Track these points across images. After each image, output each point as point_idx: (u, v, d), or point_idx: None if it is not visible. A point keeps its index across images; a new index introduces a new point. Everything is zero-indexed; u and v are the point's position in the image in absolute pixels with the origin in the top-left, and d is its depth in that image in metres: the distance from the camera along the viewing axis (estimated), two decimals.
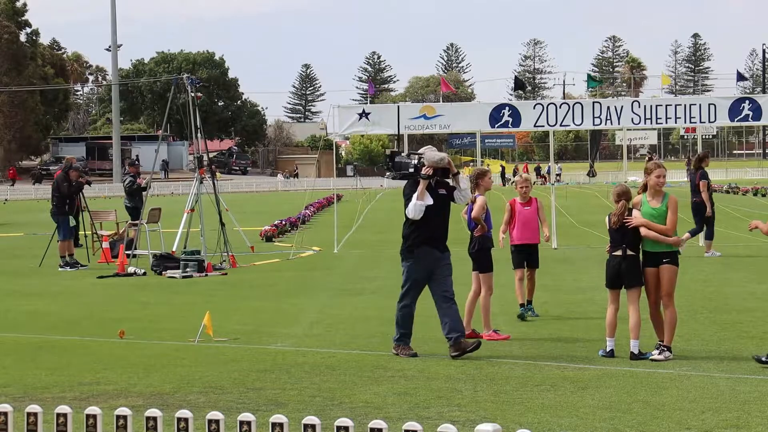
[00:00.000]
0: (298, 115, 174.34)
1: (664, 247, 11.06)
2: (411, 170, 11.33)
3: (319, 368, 10.85)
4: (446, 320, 11.25)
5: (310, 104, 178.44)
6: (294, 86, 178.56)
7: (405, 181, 11.63)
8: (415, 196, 11.20)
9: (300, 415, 6.24)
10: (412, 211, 11.23)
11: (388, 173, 11.88)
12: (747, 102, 26.14)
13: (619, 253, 11.20)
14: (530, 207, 14.27)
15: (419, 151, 11.51)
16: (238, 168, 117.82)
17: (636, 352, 11.05)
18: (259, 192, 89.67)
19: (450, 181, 11.50)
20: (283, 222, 33.68)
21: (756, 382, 9.76)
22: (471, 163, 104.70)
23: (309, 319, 14.84)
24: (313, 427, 5.14)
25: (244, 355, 11.75)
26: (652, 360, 10.89)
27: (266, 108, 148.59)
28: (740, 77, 29.65)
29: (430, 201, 11.19)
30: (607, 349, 11.24)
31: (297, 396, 9.43)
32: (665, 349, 11.00)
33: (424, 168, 11.17)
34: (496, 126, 27.03)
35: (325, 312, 15.55)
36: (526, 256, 14.27)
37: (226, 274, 21.36)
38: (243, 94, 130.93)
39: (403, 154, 11.61)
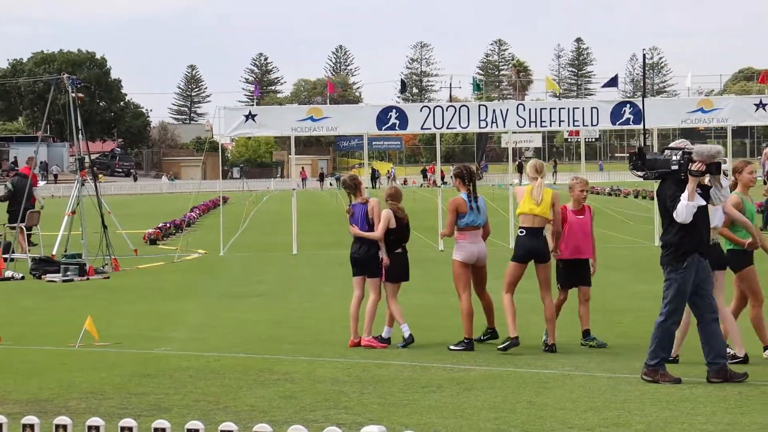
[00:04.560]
0: (184, 117, 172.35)
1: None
2: (674, 167, 9.96)
3: (204, 372, 10.71)
4: (712, 345, 9.99)
5: (195, 106, 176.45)
6: (179, 87, 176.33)
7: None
8: (684, 196, 9.82)
9: (183, 420, 6.14)
10: (682, 213, 9.80)
11: (638, 173, 10.33)
12: (628, 106, 26.65)
13: (401, 250, 12.44)
14: (584, 216, 12.54)
15: (674, 146, 10.20)
16: (121, 170, 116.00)
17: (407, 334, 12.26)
18: (143, 194, 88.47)
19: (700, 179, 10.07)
20: (168, 224, 33.27)
21: (636, 381, 9.95)
22: (357, 166, 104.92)
23: (194, 322, 14.67)
24: (197, 431, 5.06)
25: (126, 359, 11.54)
26: None
27: (151, 110, 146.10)
28: (612, 83, 30.22)
29: (702, 202, 9.91)
30: (406, 335, 12.24)
31: (181, 401, 9.29)
32: None
33: (694, 164, 9.81)
34: (384, 128, 27.06)
35: (211, 315, 15.40)
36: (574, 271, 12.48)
37: (108, 277, 20.99)
38: (127, 95, 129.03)
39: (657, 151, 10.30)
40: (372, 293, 12.53)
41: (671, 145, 10.24)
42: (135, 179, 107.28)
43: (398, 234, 12.47)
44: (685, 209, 9.79)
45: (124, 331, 13.66)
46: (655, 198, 10.29)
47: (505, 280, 11.98)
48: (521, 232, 11.95)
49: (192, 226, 36.84)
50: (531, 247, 11.87)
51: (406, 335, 12.26)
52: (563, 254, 12.34)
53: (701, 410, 8.68)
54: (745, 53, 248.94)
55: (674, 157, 9.94)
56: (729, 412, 8.60)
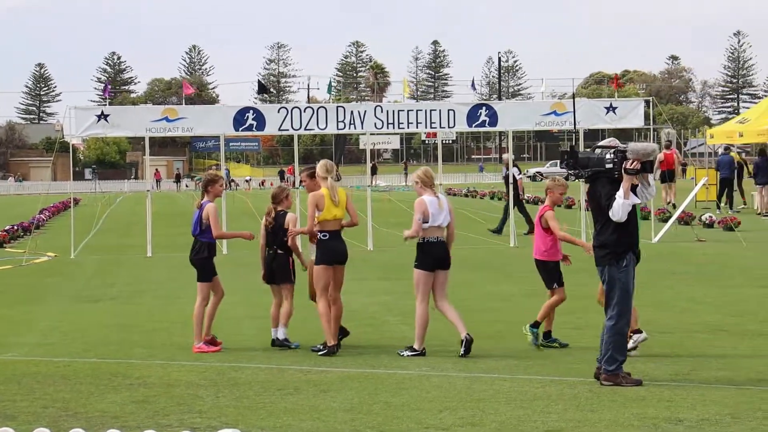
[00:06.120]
0: (32, 116, 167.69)
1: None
2: (608, 165, 9.82)
3: (53, 378, 10.43)
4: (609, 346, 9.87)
5: (44, 105, 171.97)
6: (27, 86, 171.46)
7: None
8: (620, 194, 9.67)
9: (30, 428, 5.95)
10: (618, 211, 9.66)
11: (571, 172, 10.09)
12: (484, 108, 27.00)
13: (270, 252, 12.40)
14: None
15: (604, 144, 10.08)
16: None
17: (282, 338, 12.24)
18: None
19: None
20: (15, 227, 32.30)
21: (491, 381, 10.08)
22: (215, 167, 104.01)
23: (43, 327, 14.27)
24: None
25: None
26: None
27: None
28: (473, 86, 30.75)
29: (636, 200, 9.81)
30: (277, 336, 12.26)
31: (28, 407, 9.02)
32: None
33: (629, 162, 9.67)
34: (241, 129, 26.78)
35: (61, 319, 15.00)
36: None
37: None
38: None
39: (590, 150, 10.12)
40: (198, 296, 12.33)
41: (601, 143, 10.21)
42: None
43: (268, 236, 12.43)
44: (621, 207, 9.68)
45: None
46: (588, 198, 10.15)
47: (318, 285, 11.90)
48: (324, 236, 11.91)
49: (41, 229, 35.85)
50: (339, 250, 12.02)
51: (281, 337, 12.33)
52: (557, 256, 12.16)
53: (554, 408, 8.84)
54: (595, 57, 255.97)
55: (608, 156, 9.85)
56: (580, 410, 8.78)
